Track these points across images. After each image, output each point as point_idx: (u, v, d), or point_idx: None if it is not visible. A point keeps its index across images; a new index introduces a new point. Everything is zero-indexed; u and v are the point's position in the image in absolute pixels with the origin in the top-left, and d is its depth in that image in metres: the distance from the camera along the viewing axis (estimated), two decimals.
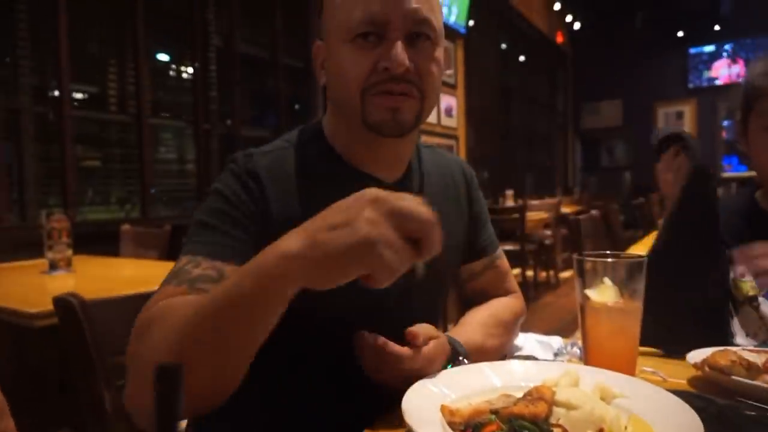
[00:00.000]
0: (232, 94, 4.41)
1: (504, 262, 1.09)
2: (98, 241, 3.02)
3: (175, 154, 4.27)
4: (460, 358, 0.85)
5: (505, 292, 1.07)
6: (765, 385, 0.79)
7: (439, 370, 0.82)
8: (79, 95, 3.55)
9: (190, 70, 4.21)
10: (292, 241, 0.57)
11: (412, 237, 0.57)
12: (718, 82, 10.45)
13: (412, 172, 0.96)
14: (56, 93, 3.27)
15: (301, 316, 0.69)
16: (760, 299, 1.10)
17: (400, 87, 0.82)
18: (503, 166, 8.53)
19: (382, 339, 0.78)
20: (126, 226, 3.07)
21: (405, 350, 0.78)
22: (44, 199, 3.24)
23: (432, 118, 6.35)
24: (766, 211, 1.25)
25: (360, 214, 0.55)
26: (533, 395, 0.70)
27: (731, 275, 1.14)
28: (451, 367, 0.83)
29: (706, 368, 0.86)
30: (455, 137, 6.96)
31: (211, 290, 0.65)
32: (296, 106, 5.03)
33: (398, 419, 0.69)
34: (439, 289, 1.00)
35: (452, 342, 0.86)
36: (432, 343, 0.81)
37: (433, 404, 0.72)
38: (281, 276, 0.57)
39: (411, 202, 0.57)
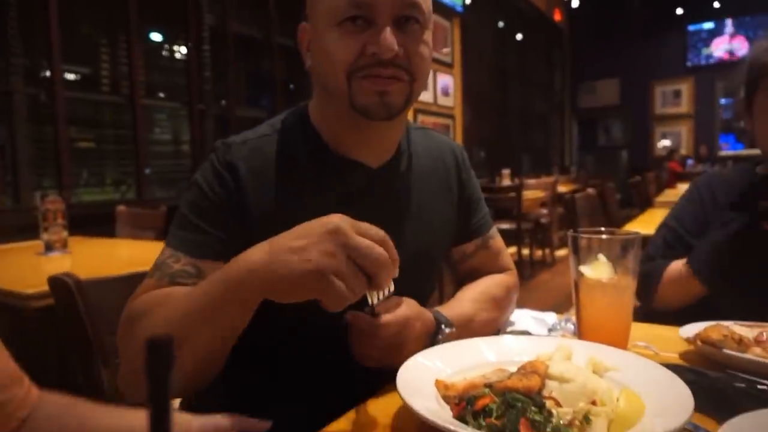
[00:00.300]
0: (226, 75, 4.36)
1: (497, 241, 1.09)
2: (94, 222, 3.01)
3: (170, 135, 4.24)
4: (443, 326, 0.85)
5: (499, 271, 1.07)
6: (755, 358, 0.80)
7: (424, 343, 0.83)
8: (71, 76, 3.51)
9: (184, 50, 4.16)
10: (257, 255, 0.64)
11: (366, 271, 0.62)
12: (717, 56, 10.36)
13: (401, 155, 0.96)
14: (48, 74, 3.23)
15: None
16: None
17: (389, 71, 0.81)
18: (500, 145, 8.51)
19: (350, 313, 0.77)
20: (121, 208, 3.06)
21: (372, 319, 0.77)
22: (38, 182, 3.22)
23: (428, 97, 6.31)
24: None
25: (319, 243, 0.61)
26: (527, 369, 0.71)
27: None
28: (440, 338, 0.84)
29: (699, 342, 0.87)
30: (452, 116, 6.93)
31: (190, 291, 0.71)
32: (291, 86, 4.99)
33: (394, 395, 0.69)
34: (425, 273, 1.00)
35: (435, 314, 0.86)
36: (402, 307, 0.80)
37: (428, 379, 0.73)
38: (244, 287, 0.64)
39: (369, 240, 0.62)
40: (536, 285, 5.32)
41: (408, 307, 0.83)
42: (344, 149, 0.90)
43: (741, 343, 0.83)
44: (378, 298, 0.72)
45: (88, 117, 3.65)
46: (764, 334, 0.85)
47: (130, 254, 2.46)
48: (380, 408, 0.73)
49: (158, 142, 4.08)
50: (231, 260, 0.67)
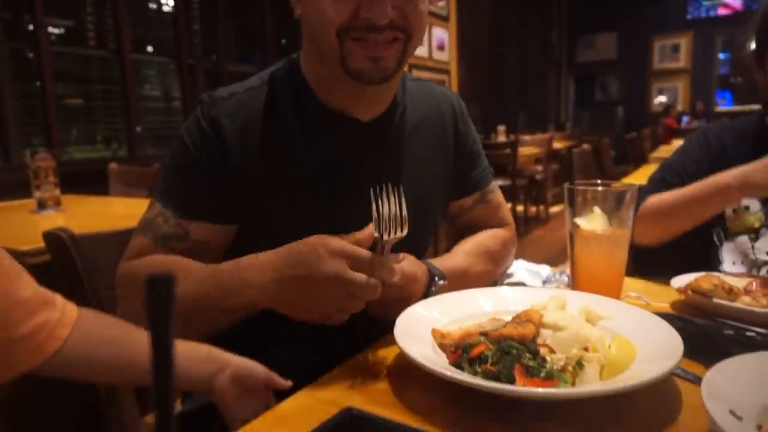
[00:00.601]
0: (216, 29, 4.24)
1: (497, 196, 1.09)
2: (86, 180, 2.98)
3: (160, 91, 4.15)
4: (436, 279, 0.86)
5: (498, 225, 1.07)
6: (744, 307, 0.82)
7: (422, 293, 0.84)
8: (55, 30, 3.40)
9: (171, 2, 4.03)
10: (257, 295, 0.72)
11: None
12: (719, 8, 10.13)
13: (395, 107, 0.93)
14: (30, 27, 3.13)
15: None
16: (762, 231, 1.12)
17: (384, 36, 0.78)
18: (495, 101, 8.40)
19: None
20: (113, 165, 3.03)
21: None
22: (28, 140, 3.17)
23: (423, 51, 6.17)
24: None
25: (321, 297, 0.69)
26: (522, 318, 0.72)
27: (733, 207, 1.16)
28: (433, 290, 0.85)
29: (689, 292, 0.89)
30: (447, 71, 6.80)
31: (199, 282, 0.76)
32: (283, 41, 4.86)
33: (392, 344, 0.71)
34: (422, 227, 0.99)
35: (428, 266, 0.87)
36: (406, 262, 0.82)
37: (425, 328, 0.74)
38: (248, 307, 0.75)
39: (364, 275, 0.68)
40: (530, 241, 5.37)
41: (411, 262, 0.83)
42: (335, 103, 0.88)
43: (731, 292, 0.85)
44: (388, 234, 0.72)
45: (75, 73, 3.57)
46: (753, 283, 0.87)
47: (124, 212, 2.45)
48: (379, 357, 0.75)
49: (148, 98, 4.01)
50: (229, 269, 0.75)
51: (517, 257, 1.13)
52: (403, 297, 0.80)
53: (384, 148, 0.93)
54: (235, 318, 0.78)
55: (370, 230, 0.71)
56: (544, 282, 1.08)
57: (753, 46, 1.22)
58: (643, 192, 1.29)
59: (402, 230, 0.73)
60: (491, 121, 7.57)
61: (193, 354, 0.70)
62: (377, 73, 0.81)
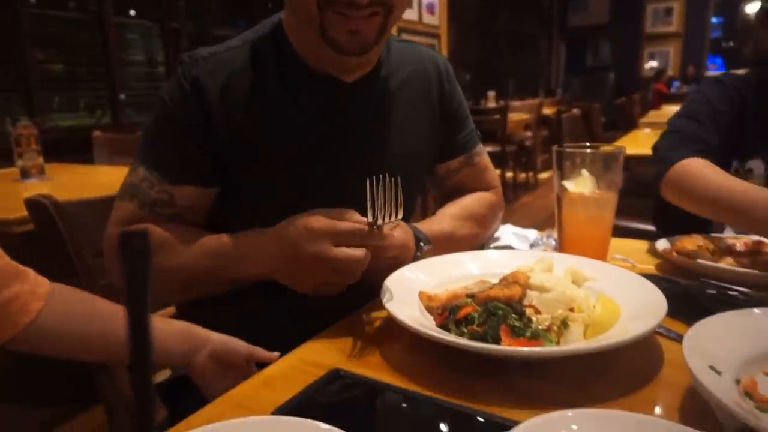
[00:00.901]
0: None
1: (483, 159, 1.08)
2: (70, 148, 2.93)
3: (143, 56, 4.05)
4: (421, 244, 0.86)
5: (484, 188, 1.07)
6: (727, 267, 0.83)
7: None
8: None
9: None
10: (255, 267, 0.77)
11: None
12: None
13: (379, 69, 0.92)
14: None
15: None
16: None
17: (364, 11, 0.76)
18: (486, 67, 8.30)
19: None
20: (98, 133, 2.97)
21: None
22: (9, 107, 3.09)
23: (413, 15, 6.05)
24: None
25: (308, 273, 0.73)
26: (508, 280, 0.73)
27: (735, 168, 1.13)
28: (418, 254, 0.85)
29: (674, 253, 0.90)
30: (437, 36, 6.68)
31: (196, 254, 0.80)
32: (270, 5, 4.74)
33: (381, 308, 0.71)
34: (408, 189, 0.98)
35: (413, 230, 0.87)
36: (398, 230, 0.82)
37: (412, 291, 0.74)
38: (248, 274, 0.78)
39: (345, 251, 0.69)
40: (519, 207, 5.40)
41: (403, 229, 0.83)
42: (318, 64, 0.87)
43: (714, 253, 0.86)
44: (382, 219, 0.72)
45: (56, 37, 3.46)
46: (737, 244, 0.88)
47: (110, 180, 2.42)
48: (366, 320, 0.75)
49: (132, 63, 3.90)
50: (236, 250, 0.78)
51: (505, 223, 1.13)
52: (397, 264, 0.80)
53: (368, 109, 0.91)
54: (236, 285, 0.82)
55: (361, 219, 0.72)
56: (532, 245, 1.08)
57: (758, 4, 1.19)
58: (670, 141, 1.16)
59: (397, 215, 0.74)
60: (481, 87, 7.50)
61: (171, 331, 0.71)
62: (356, 45, 0.79)
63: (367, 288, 0.77)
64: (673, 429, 0.43)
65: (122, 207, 0.84)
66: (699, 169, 1.04)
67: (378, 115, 0.92)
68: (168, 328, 0.72)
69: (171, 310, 1.04)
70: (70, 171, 2.48)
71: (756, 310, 0.61)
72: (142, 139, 0.86)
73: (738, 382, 0.51)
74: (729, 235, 0.96)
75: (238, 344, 0.71)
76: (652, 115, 4.76)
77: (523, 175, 6.48)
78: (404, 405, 0.54)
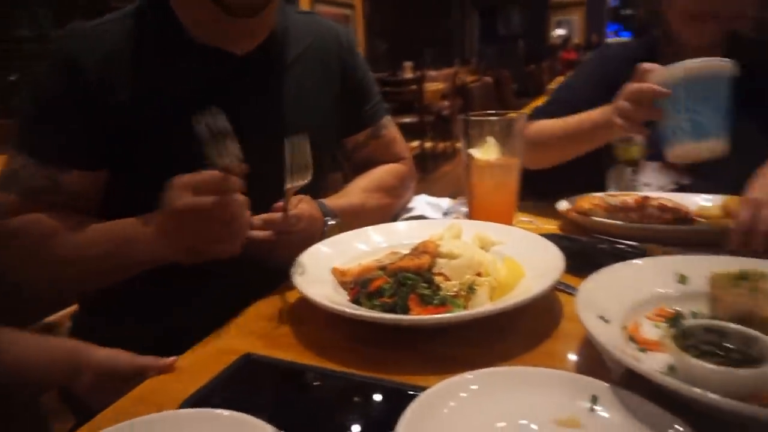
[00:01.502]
0: None
1: (390, 131, 1.08)
2: None
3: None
4: (327, 219, 0.86)
5: (394, 160, 1.07)
6: (616, 222, 0.89)
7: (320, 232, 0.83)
8: None
9: None
10: (144, 244, 0.73)
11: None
12: None
13: (273, 41, 0.89)
14: None
15: None
16: (640, 162, 1.19)
17: None
18: (402, 37, 8.30)
19: (259, 217, 0.77)
20: None
21: (276, 214, 0.77)
22: None
23: None
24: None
25: (185, 228, 0.67)
26: (419, 250, 0.74)
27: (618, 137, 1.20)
28: (325, 229, 0.85)
29: (573, 213, 0.95)
30: (350, 5, 6.59)
31: (87, 241, 0.76)
32: None
33: (292, 287, 0.70)
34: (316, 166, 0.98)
35: (319, 204, 0.87)
36: (304, 202, 0.81)
37: (325, 268, 0.74)
38: (141, 255, 0.74)
39: (208, 197, 0.65)
40: (439, 176, 5.51)
41: (308, 203, 0.82)
42: (206, 37, 0.83)
43: (608, 210, 0.91)
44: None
45: None
46: (627, 200, 0.94)
47: None
48: (279, 301, 0.74)
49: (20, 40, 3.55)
50: (124, 231, 0.75)
51: (425, 192, 1.15)
52: (306, 238, 0.79)
53: (262, 83, 0.88)
54: (133, 272, 0.77)
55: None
56: (445, 213, 1.11)
57: None
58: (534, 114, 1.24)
59: (304, 178, 0.74)
60: (398, 57, 7.50)
61: (53, 352, 0.68)
62: (246, 3, 0.77)
63: (282, 267, 0.76)
64: (565, 377, 0.46)
65: (1, 198, 0.77)
66: (539, 124, 1.15)
67: (274, 88, 0.89)
68: (51, 348, 0.69)
69: (71, 309, 0.98)
70: None
71: (638, 261, 0.66)
72: (20, 124, 0.79)
73: (625, 328, 0.55)
74: (622, 193, 1.02)
75: (121, 361, 0.67)
76: (560, 81, 4.97)
77: (441, 145, 6.60)
78: (316, 383, 0.54)
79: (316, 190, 0.88)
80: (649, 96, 0.85)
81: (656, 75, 0.86)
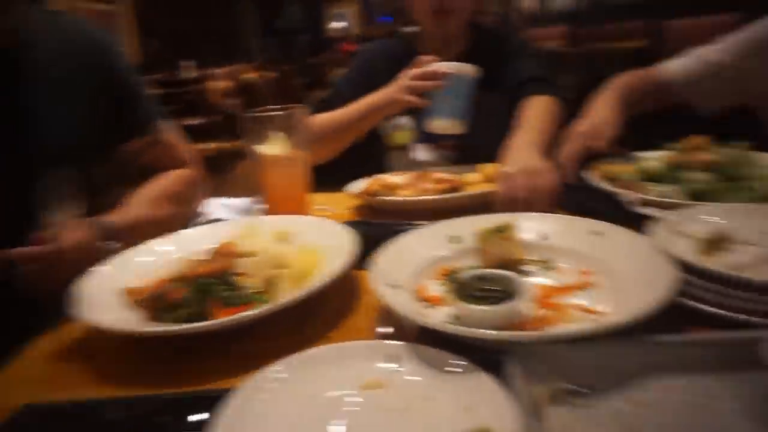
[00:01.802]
0: None
1: (169, 135, 1.02)
2: None
3: None
4: (108, 243, 0.79)
5: (178, 165, 1.02)
6: (397, 198, 0.97)
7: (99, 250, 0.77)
8: None
9: None
10: None
11: None
12: None
13: (14, 45, 0.79)
14: None
15: None
16: (411, 146, 1.30)
17: None
18: (179, 35, 7.78)
19: (18, 251, 0.69)
20: None
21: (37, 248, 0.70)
22: None
23: None
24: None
25: None
26: (219, 253, 0.72)
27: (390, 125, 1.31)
28: (109, 250, 0.78)
29: (365, 195, 1.01)
30: (112, 1, 5.94)
31: None
32: None
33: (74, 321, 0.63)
34: (86, 180, 0.89)
35: (98, 224, 0.80)
36: (67, 231, 0.74)
37: (111, 291, 0.67)
38: None
39: None
40: (236, 176, 5.35)
41: (80, 227, 0.75)
42: None
43: (393, 188, 1.00)
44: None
45: None
46: (409, 177, 1.04)
47: None
48: (64, 336, 0.66)
49: None
50: None
51: (225, 194, 1.11)
52: (84, 266, 0.71)
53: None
54: None
55: None
56: (245, 213, 1.09)
57: None
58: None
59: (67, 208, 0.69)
60: (177, 56, 7.03)
61: None
62: None
63: (57, 301, 0.67)
64: (366, 346, 0.50)
65: None
66: (323, 115, 1.25)
67: (12, 96, 0.79)
68: None
69: None
70: None
71: (418, 231, 0.73)
72: None
73: (415, 292, 0.61)
74: (404, 172, 1.12)
75: None
76: (340, 72, 5.19)
77: (234, 144, 6.39)
78: (117, 415, 0.49)
79: (99, 206, 0.79)
80: (432, 77, 1.07)
81: (431, 66, 1.09)
